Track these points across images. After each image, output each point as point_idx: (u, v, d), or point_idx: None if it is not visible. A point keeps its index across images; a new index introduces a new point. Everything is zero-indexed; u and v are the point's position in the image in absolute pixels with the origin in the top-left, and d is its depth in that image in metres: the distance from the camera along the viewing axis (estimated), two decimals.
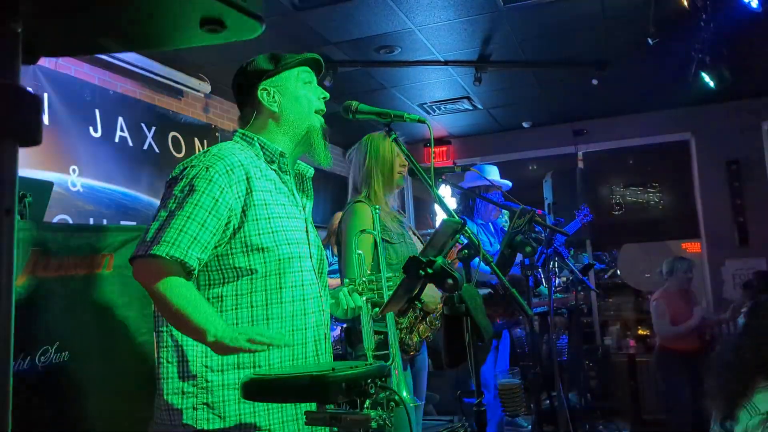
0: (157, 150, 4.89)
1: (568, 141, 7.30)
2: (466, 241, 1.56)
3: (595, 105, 6.77)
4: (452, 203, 7.90)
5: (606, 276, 8.04)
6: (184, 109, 5.37)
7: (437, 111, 6.67)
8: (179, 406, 1.55)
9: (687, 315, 4.99)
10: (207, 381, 1.57)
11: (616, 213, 7.44)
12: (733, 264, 6.48)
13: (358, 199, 2.62)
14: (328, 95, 1.86)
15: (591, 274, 7.22)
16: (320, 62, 1.88)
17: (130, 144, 4.62)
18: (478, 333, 1.51)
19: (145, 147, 4.79)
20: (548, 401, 4.26)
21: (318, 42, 4.76)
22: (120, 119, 4.56)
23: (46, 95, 4.02)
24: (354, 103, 1.85)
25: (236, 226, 1.60)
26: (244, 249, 1.61)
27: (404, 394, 2.12)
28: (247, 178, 1.64)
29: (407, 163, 2.65)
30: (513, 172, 8.18)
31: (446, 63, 5.30)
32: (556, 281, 6.34)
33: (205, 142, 5.49)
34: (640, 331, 7.14)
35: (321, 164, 1.83)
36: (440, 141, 7.93)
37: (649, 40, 4.54)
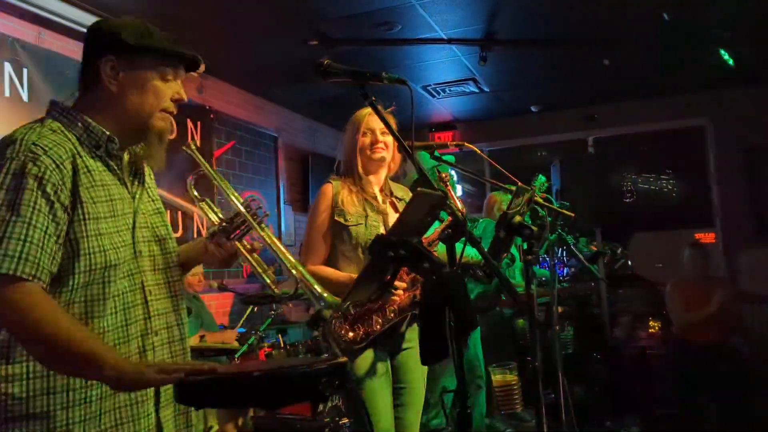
0: None
1: (579, 126, 7.05)
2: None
3: (606, 88, 6.50)
4: (458, 190, 7.70)
5: (617, 266, 7.79)
6: None
7: (442, 94, 6.43)
8: None
9: (704, 303, 4.73)
10: (7, 411, 1.32)
11: (628, 201, 7.17)
12: (751, 253, 6.22)
13: (327, 180, 2.57)
14: (185, 99, 1.60)
15: (600, 264, 6.99)
16: (196, 63, 1.60)
17: None
18: (461, 324, 1.29)
19: None
20: (553, 395, 4.05)
21: (314, 17, 4.53)
22: None
23: (25, 71, 3.83)
24: (325, 62, 1.63)
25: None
26: (67, 255, 1.37)
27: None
28: (75, 171, 1.40)
29: (385, 140, 2.47)
30: (520, 158, 7.95)
31: (450, 41, 5.05)
32: (564, 270, 6.12)
33: (199, 123, 5.29)
34: (652, 323, 6.90)
35: (152, 167, 1.61)
36: (445, 126, 7.70)
37: (665, 16, 4.28)
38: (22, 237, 1.28)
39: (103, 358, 1.23)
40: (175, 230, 4.91)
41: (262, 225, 1.69)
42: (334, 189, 2.50)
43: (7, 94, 3.72)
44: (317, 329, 1.63)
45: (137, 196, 1.58)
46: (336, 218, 2.45)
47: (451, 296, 1.28)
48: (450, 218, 1.41)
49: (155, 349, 1.52)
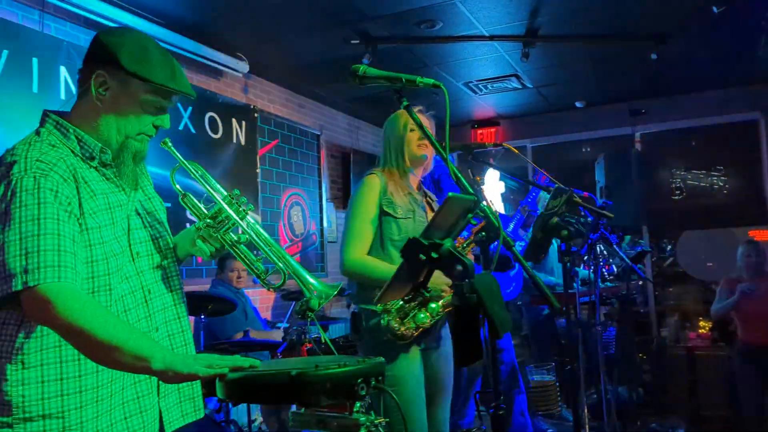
0: (192, 131, 4.82)
1: (625, 121, 6.90)
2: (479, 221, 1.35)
3: (654, 83, 6.35)
4: (501, 187, 7.64)
5: (665, 264, 7.62)
6: (223, 89, 5.28)
7: (484, 90, 6.39)
8: None
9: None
10: (25, 411, 1.39)
11: (677, 198, 7.00)
12: None
13: (371, 171, 2.53)
14: (167, 125, 1.63)
15: (648, 263, 6.85)
16: (187, 95, 1.62)
17: (166, 125, 4.54)
18: (493, 327, 1.30)
19: (180, 127, 4.71)
20: (595, 395, 4.01)
21: (356, 16, 4.56)
22: None
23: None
24: (361, 67, 1.65)
25: None
26: None
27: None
28: (76, 184, 1.46)
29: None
30: (564, 154, 7.84)
31: (491, 38, 5.02)
32: (609, 269, 6.02)
33: (243, 123, 5.39)
34: (702, 323, 6.72)
35: (123, 186, 1.59)
36: (488, 122, 7.65)
37: (714, 9, 4.17)
38: (56, 248, 1.34)
39: (150, 356, 1.29)
40: None
41: (247, 218, 1.72)
42: (381, 181, 2.46)
43: (62, 97, 3.87)
44: (306, 319, 1.64)
45: (132, 199, 1.62)
46: (385, 209, 2.41)
47: (484, 299, 1.29)
48: (483, 221, 1.42)
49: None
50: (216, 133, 5.07)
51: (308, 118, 6.39)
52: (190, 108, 4.80)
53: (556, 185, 2.03)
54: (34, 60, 3.71)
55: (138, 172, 1.66)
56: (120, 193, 1.58)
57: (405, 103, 1.60)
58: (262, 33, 4.79)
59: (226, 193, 1.74)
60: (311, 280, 1.64)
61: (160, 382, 1.59)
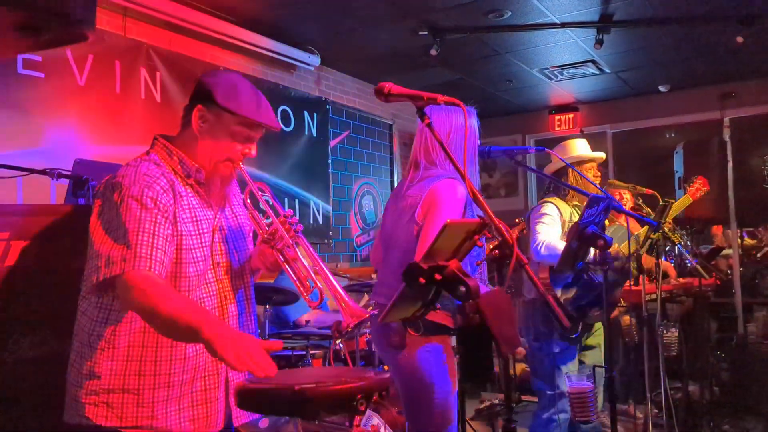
0: None
1: (713, 106, 6.53)
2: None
3: (745, 64, 5.97)
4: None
5: (760, 255, 7.19)
6: (296, 82, 5.44)
7: (559, 76, 6.23)
8: (83, 401, 1.63)
9: None
10: (109, 383, 1.64)
11: None
12: None
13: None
14: (254, 155, 1.84)
15: (736, 253, 6.50)
16: (270, 128, 1.83)
17: None
18: (498, 346, 1.34)
19: None
20: (663, 395, 3.91)
21: (423, 8, 4.58)
22: None
23: (158, 74, 4.23)
24: (386, 86, 1.70)
25: None
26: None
27: None
28: (174, 196, 1.69)
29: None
30: (647, 141, 7.52)
31: (563, 26, 4.89)
32: (692, 261, 5.77)
33: (315, 115, 5.54)
34: None
35: (211, 204, 1.81)
36: (566, 108, 7.44)
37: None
38: (150, 244, 1.58)
39: (199, 327, 1.42)
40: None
41: (297, 240, 1.86)
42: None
43: (142, 96, 4.14)
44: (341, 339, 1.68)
45: (219, 215, 1.84)
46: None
47: (489, 318, 1.33)
48: (498, 239, 1.45)
49: None
50: (288, 125, 5.25)
51: (380, 107, 6.47)
52: None
53: (591, 194, 2.00)
54: (117, 63, 3.98)
55: (226, 193, 1.89)
56: (208, 210, 1.81)
57: (427, 122, 1.63)
58: (332, 27, 4.89)
59: (281, 213, 1.90)
60: (346, 298, 1.73)
61: (229, 380, 1.78)
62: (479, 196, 1.54)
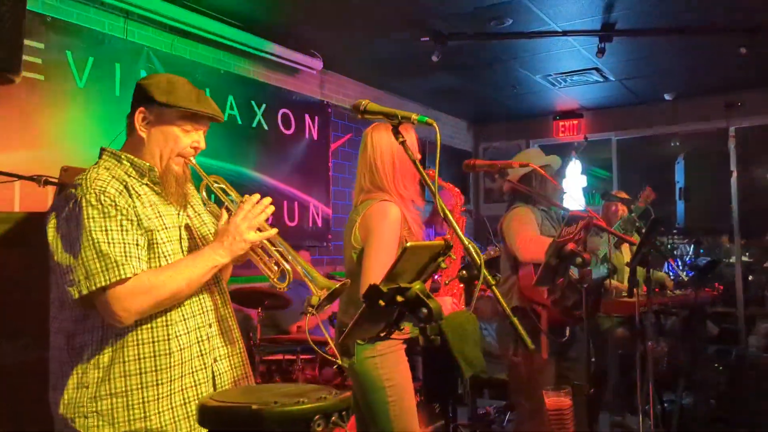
0: (265, 127, 5.03)
1: (719, 115, 6.48)
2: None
3: (751, 73, 5.92)
4: (583, 180, 7.41)
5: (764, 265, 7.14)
6: (298, 85, 5.46)
7: (563, 83, 6.21)
8: (70, 415, 1.63)
9: None
10: (96, 391, 1.63)
11: None
12: None
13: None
14: (204, 146, 1.84)
15: (739, 267, 6.46)
16: (214, 117, 1.83)
17: (239, 122, 4.79)
18: (459, 367, 1.35)
19: (254, 124, 4.94)
20: (659, 407, 3.89)
21: (425, 15, 4.58)
22: (230, 97, 4.74)
23: None
24: (363, 102, 1.72)
25: None
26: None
27: None
28: (130, 196, 1.70)
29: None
30: (651, 149, 7.48)
31: (564, 34, 4.88)
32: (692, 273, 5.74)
33: (317, 118, 5.56)
34: None
35: (170, 203, 1.80)
36: (571, 114, 7.43)
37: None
38: (125, 252, 1.62)
39: (213, 262, 1.70)
40: (291, 219, 5.23)
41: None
42: None
43: None
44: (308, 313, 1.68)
45: (181, 213, 1.85)
46: None
47: (451, 340, 1.33)
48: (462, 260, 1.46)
49: (212, 338, 1.82)
50: (288, 128, 5.27)
51: None
52: (264, 105, 5.01)
53: (567, 212, 1.99)
54: (117, 65, 4.02)
55: (185, 192, 1.88)
56: (170, 207, 1.82)
57: (401, 140, 1.64)
58: (334, 31, 4.90)
59: (240, 200, 1.86)
60: (315, 274, 1.73)
61: (215, 374, 1.80)
62: (449, 215, 1.55)
